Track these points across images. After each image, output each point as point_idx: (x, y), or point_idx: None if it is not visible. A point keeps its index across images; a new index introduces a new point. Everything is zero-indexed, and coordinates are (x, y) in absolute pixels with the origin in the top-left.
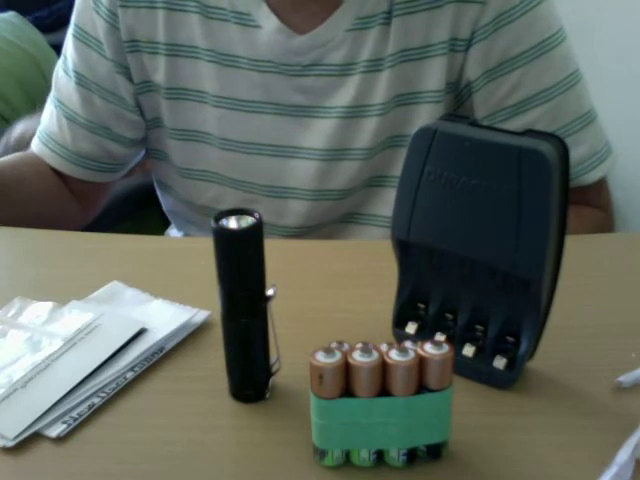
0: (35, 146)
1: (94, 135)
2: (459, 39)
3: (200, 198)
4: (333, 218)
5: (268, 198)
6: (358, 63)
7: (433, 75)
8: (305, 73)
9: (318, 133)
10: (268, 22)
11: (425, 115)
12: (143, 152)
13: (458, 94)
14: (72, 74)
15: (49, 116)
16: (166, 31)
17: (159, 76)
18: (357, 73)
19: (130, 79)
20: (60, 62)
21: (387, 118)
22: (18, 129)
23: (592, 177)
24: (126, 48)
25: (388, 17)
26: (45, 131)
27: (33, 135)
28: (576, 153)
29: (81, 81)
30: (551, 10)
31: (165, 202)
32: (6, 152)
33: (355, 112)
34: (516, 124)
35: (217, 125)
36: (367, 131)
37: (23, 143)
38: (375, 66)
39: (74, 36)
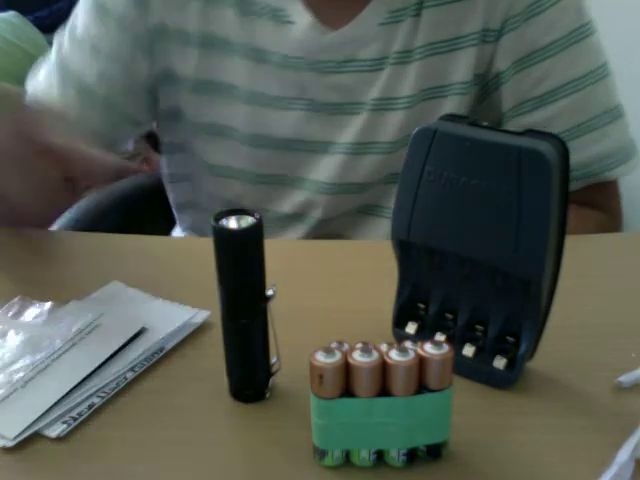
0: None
1: (106, 111)
2: (490, 30)
3: (220, 193)
4: (350, 210)
5: (292, 193)
6: (389, 56)
7: (462, 67)
8: (339, 70)
9: (349, 128)
10: (301, 18)
11: (451, 108)
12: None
13: (485, 85)
14: (87, 46)
15: (47, 84)
16: (200, 23)
17: (186, 68)
18: (387, 66)
19: (151, 65)
20: (67, 33)
21: (413, 111)
22: None
23: (614, 174)
24: (153, 33)
25: (419, 8)
26: (43, 100)
27: None
28: (601, 147)
29: (98, 55)
30: (582, 0)
31: (178, 196)
32: None
33: (382, 105)
34: (544, 114)
35: (246, 121)
36: (393, 124)
37: None
38: (404, 58)
39: (96, 10)
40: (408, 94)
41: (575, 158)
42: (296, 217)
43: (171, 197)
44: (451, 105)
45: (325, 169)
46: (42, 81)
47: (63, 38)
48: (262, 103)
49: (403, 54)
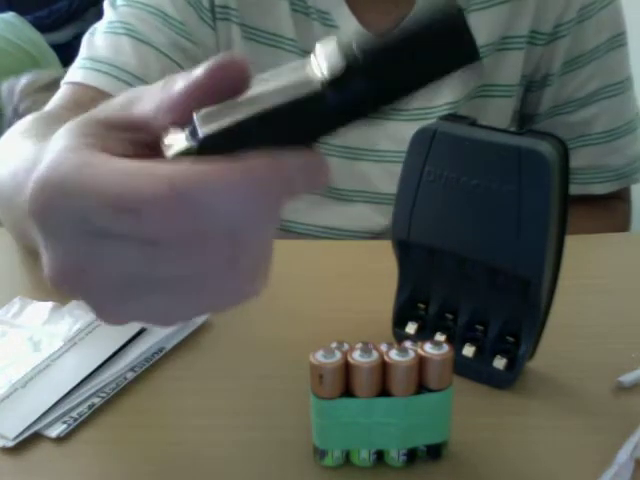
0: (99, 81)
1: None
2: (539, 32)
3: None
4: None
5: (334, 201)
6: None
7: (508, 69)
8: None
9: (391, 135)
10: (347, 23)
11: (496, 109)
12: None
13: (528, 86)
14: (154, 11)
15: (115, 46)
16: (253, 13)
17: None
18: None
19: (216, 41)
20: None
21: (459, 111)
22: (23, 80)
23: None
24: (218, 14)
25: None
26: (115, 64)
27: (48, 83)
28: (634, 150)
29: (166, 22)
30: (621, 6)
31: None
32: (12, 103)
33: (422, 114)
34: (584, 115)
35: None
36: None
37: (32, 89)
38: None
39: None
40: (449, 100)
41: (612, 160)
42: (343, 230)
43: None
44: (496, 106)
45: (370, 178)
46: (105, 47)
47: (116, 6)
48: None
49: None
